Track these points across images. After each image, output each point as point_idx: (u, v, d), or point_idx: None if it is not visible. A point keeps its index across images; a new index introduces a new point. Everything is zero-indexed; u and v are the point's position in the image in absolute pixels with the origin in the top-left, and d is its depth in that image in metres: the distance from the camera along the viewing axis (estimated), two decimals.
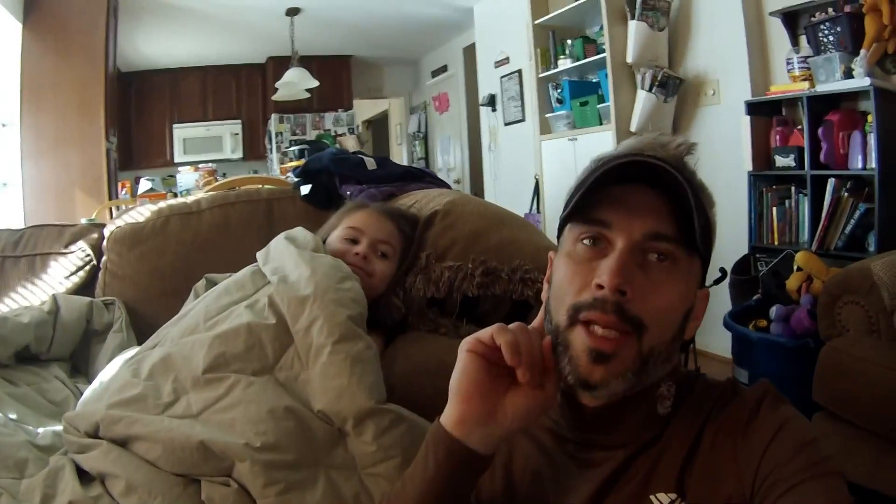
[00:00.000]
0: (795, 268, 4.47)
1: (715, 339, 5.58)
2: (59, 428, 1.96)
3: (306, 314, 2.02)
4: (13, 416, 2.07)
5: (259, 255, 2.42)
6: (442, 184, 3.20)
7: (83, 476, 1.73)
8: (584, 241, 1.28)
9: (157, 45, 11.56)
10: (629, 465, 1.29)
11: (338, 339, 1.94)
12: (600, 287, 1.20)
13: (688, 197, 1.20)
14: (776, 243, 5.44)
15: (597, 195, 1.27)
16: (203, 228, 2.99)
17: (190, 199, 3.18)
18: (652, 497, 1.23)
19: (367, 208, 2.57)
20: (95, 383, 2.13)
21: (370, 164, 3.08)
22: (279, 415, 1.81)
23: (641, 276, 1.22)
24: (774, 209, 5.46)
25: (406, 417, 1.88)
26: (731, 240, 5.51)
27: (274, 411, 1.81)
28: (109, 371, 2.12)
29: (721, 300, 5.19)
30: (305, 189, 3.09)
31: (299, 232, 2.48)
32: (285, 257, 2.28)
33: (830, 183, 4.93)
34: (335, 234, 2.50)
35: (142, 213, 3.07)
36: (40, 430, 2.02)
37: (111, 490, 1.67)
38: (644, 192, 1.27)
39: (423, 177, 3.17)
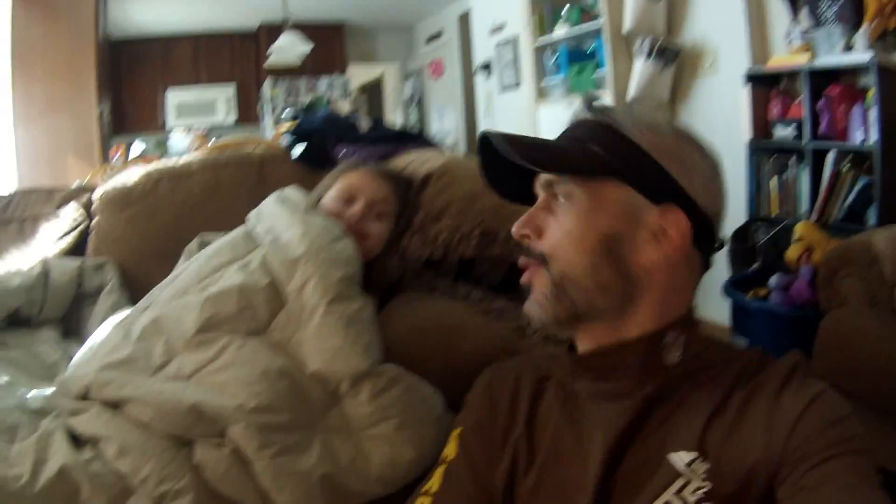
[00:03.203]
0: (795, 238, 4.45)
1: (713, 307, 5.56)
2: (50, 391, 1.93)
3: (299, 274, 1.99)
4: (5, 379, 2.05)
5: (251, 215, 2.39)
6: (435, 145, 3.17)
7: (75, 440, 1.70)
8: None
9: (148, 11, 11.49)
10: (642, 419, 1.30)
11: (332, 300, 1.92)
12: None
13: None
14: (775, 214, 5.41)
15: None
16: (194, 190, 2.96)
17: (180, 160, 3.14)
18: (671, 455, 1.23)
19: (363, 168, 2.53)
20: (86, 346, 2.09)
21: (364, 124, 3.04)
22: (273, 376, 1.78)
23: (546, 219, 1.39)
24: (773, 180, 5.44)
25: (403, 377, 1.85)
26: (729, 209, 5.33)
27: (267, 372, 1.78)
28: (100, 333, 2.08)
29: (719, 268, 5.14)
30: (298, 150, 3.06)
31: (292, 191, 2.45)
32: (278, 217, 2.25)
33: (831, 156, 4.89)
34: (329, 194, 2.46)
35: (132, 174, 3.03)
36: (30, 393, 1.98)
37: (104, 453, 1.64)
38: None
39: (416, 138, 3.14)
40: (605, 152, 1.35)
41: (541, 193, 1.43)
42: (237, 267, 2.11)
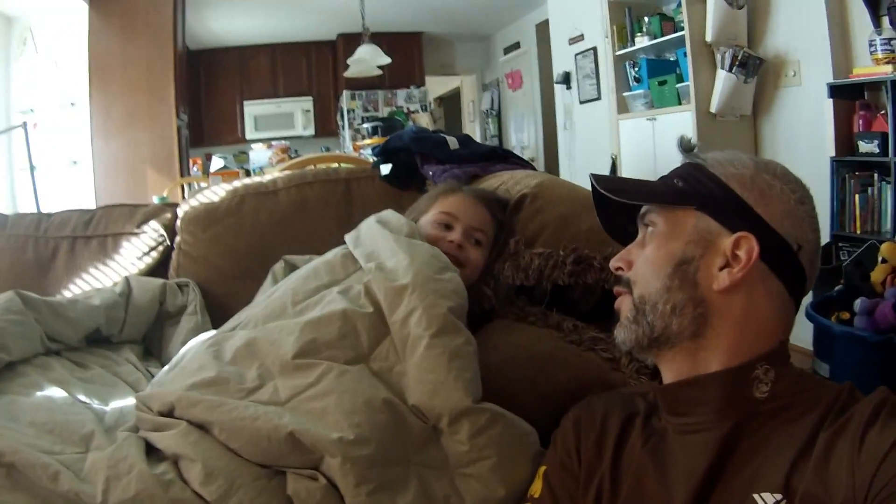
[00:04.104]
0: (880, 259, 4.36)
1: (796, 330, 5.46)
2: (129, 404, 1.91)
3: (404, 304, 1.94)
4: (82, 398, 2.02)
5: (348, 237, 2.35)
6: (527, 165, 3.11)
7: (150, 455, 1.65)
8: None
9: (226, 22, 11.67)
10: (727, 455, 1.30)
11: (436, 332, 1.86)
12: None
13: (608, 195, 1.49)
14: (858, 232, 5.35)
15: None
16: (279, 209, 2.93)
17: (266, 178, 3.12)
18: (756, 496, 1.21)
19: (461, 192, 2.50)
20: (170, 364, 2.05)
21: (452, 143, 3.01)
22: (376, 407, 1.73)
23: (639, 252, 1.51)
24: (857, 196, 5.36)
25: (502, 416, 1.78)
26: None
27: (370, 402, 1.73)
28: (186, 353, 2.04)
29: None
30: (386, 168, 3.01)
31: (391, 215, 2.41)
32: (380, 242, 2.21)
33: None
34: (426, 218, 2.42)
35: (216, 192, 3.02)
36: (109, 406, 1.97)
37: (186, 474, 1.59)
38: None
39: (507, 157, 3.09)
40: (685, 184, 1.47)
41: (640, 230, 1.54)
42: (338, 291, 2.08)
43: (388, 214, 2.41)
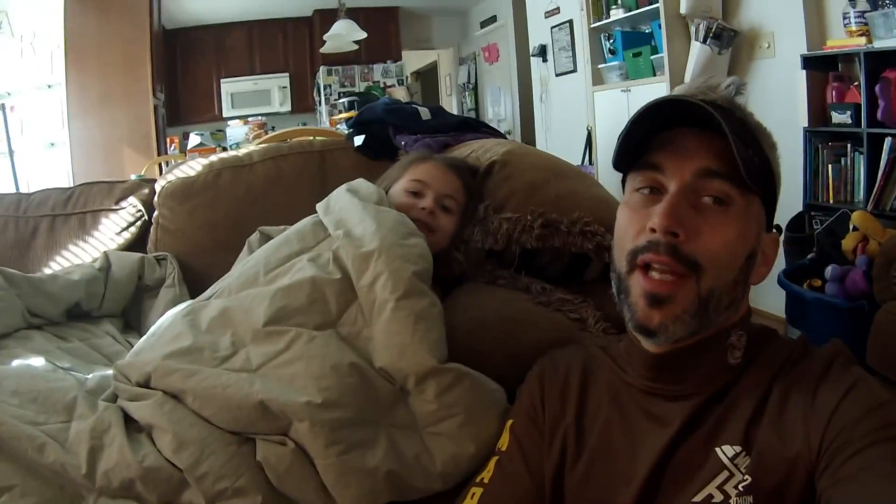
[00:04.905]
0: (851, 227, 4.42)
1: (768, 297, 5.53)
2: (109, 372, 1.93)
3: (371, 269, 1.97)
4: (65, 366, 2.05)
5: (319, 206, 2.37)
6: (498, 134, 3.13)
7: (130, 424, 1.70)
8: (642, 191, 1.35)
9: (201, 0, 11.57)
10: (698, 418, 1.31)
11: (402, 295, 1.89)
12: (653, 230, 1.26)
13: (726, 134, 1.23)
14: (831, 201, 5.40)
15: (648, 141, 1.35)
16: (255, 181, 2.96)
17: (241, 151, 3.14)
18: (717, 449, 1.25)
19: (432, 160, 2.52)
20: (149, 333, 2.07)
21: (424, 113, 3.04)
22: (343, 371, 1.76)
23: (696, 217, 1.28)
24: (830, 167, 5.42)
25: (468, 374, 1.82)
26: (785, 197, 5.25)
27: (337, 367, 1.76)
28: (163, 323, 2.07)
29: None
30: (359, 140, 3.04)
31: (362, 184, 2.44)
32: (349, 210, 2.24)
33: (887, 142, 4.85)
34: (398, 186, 2.45)
35: (193, 167, 3.04)
36: (90, 375, 1.99)
37: (158, 444, 1.63)
38: (693, 134, 1.32)
39: (478, 127, 3.12)
40: (760, 164, 1.32)
41: (678, 184, 1.31)
42: (308, 259, 2.10)
43: (359, 183, 2.44)
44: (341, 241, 2.09)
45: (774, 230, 1.33)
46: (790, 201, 5.45)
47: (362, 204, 2.24)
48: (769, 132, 1.40)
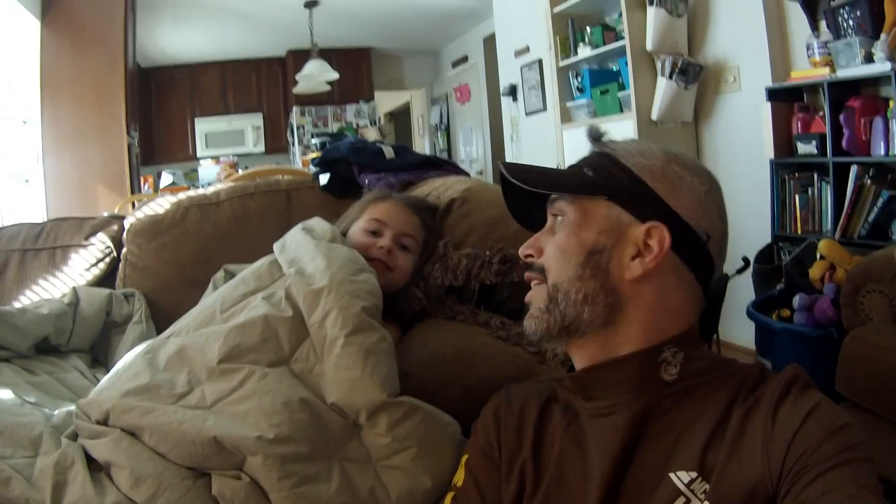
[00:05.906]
0: (818, 256, 4.44)
1: (738, 329, 5.55)
2: (73, 408, 1.95)
3: (321, 306, 2.00)
4: (31, 400, 2.08)
5: (276, 245, 2.40)
6: (460, 171, 3.18)
7: (92, 463, 1.72)
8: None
9: (176, 39, 11.65)
10: (640, 435, 1.33)
11: (351, 331, 1.92)
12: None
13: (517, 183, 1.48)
14: (799, 232, 5.42)
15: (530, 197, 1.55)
16: (222, 219, 2.98)
17: (209, 190, 3.17)
18: (672, 474, 1.25)
19: (390, 199, 2.56)
20: (111, 373, 2.08)
21: (388, 152, 3.08)
22: (294, 406, 1.79)
23: (548, 238, 1.50)
24: (797, 197, 5.43)
25: (419, 407, 1.85)
26: (753, 228, 5.48)
27: (289, 403, 1.79)
28: (125, 361, 2.09)
29: (744, 290, 5.14)
30: (324, 178, 3.08)
31: (316, 222, 2.47)
32: (302, 248, 2.27)
33: (853, 170, 4.89)
34: (357, 225, 2.49)
35: (161, 204, 3.06)
36: (56, 410, 2.02)
37: (117, 480, 1.66)
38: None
39: (441, 164, 3.17)
40: (595, 174, 1.47)
41: (549, 218, 1.53)
42: (262, 297, 2.13)
43: (314, 222, 2.47)
44: (293, 278, 2.13)
45: (658, 222, 1.38)
46: (758, 233, 5.49)
47: (315, 242, 2.27)
48: (654, 152, 1.50)
